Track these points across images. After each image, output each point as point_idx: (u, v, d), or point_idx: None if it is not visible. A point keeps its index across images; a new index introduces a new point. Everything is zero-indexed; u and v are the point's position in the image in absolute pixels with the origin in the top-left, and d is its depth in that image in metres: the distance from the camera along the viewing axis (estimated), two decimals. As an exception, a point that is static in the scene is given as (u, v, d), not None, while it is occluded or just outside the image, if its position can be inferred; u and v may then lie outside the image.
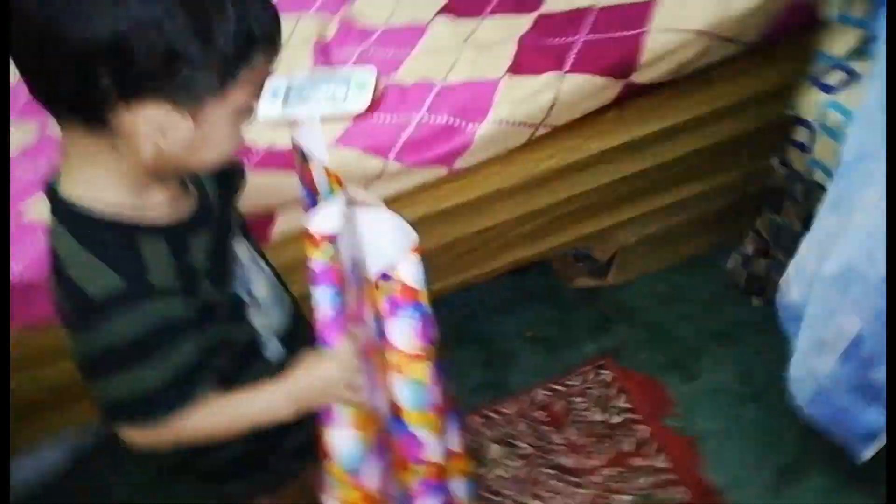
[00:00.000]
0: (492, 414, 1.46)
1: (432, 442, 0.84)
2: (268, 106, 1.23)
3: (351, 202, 0.76)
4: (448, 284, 1.35)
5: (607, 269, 1.59)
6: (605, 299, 1.61)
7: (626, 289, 1.61)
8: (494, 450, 1.40)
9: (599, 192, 1.34)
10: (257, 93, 0.68)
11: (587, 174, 1.30)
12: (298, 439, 0.84)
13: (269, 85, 1.22)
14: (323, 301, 0.74)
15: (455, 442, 0.94)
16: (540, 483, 1.33)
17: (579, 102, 1.20)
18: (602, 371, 1.48)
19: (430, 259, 1.15)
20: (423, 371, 0.81)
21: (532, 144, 1.22)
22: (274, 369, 0.78)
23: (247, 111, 0.68)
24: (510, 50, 1.26)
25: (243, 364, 0.81)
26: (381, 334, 0.80)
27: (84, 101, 0.60)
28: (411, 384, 0.80)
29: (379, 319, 0.80)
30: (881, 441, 0.98)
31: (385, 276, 0.78)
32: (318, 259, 0.73)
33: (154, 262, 0.67)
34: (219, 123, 0.65)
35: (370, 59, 1.34)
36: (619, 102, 1.23)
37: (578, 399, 1.44)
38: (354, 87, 1.23)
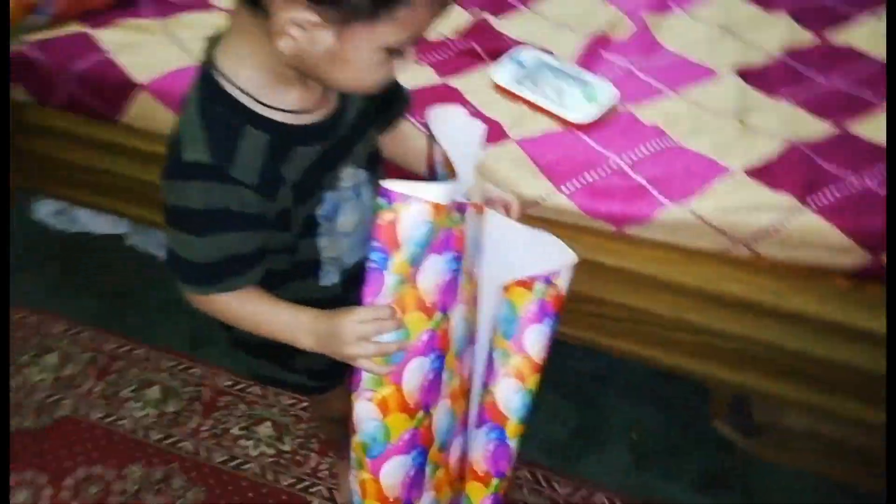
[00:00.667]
0: (531, 476, 1.36)
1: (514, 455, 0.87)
2: (502, 71, 1.18)
3: (482, 196, 0.81)
4: (586, 338, 1.24)
5: (756, 432, 1.33)
6: (734, 459, 1.36)
7: (761, 466, 1.34)
8: None
9: (784, 354, 1.10)
10: (412, 39, 0.66)
11: (772, 326, 1.06)
12: (320, 363, 0.85)
13: (518, 53, 1.18)
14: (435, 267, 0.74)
15: None
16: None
17: (801, 248, 0.96)
18: None
19: (575, 304, 1.07)
20: (536, 385, 0.83)
21: (722, 257, 1.02)
22: (319, 295, 0.82)
23: (397, 53, 0.67)
24: (771, 149, 1.03)
25: (293, 277, 0.84)
26: (511, 335, 0.82)
27: None
28: (527, 395, 0.83)
29: (515, 320, 0.82)
30: None
31: (548, 280, 0.79)
32: (445, 226, 0.73)
33: (245, 156, 0.70)
34: (361, 51, 0.65)
35: (631, 77, 1.20)
36: (855, 276, 0.96)
37: None
38: (585, 98, 1.12)
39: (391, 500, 0.86)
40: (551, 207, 1.05)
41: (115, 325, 1.61)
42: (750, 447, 1.34)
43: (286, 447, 1.41)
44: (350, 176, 0.80)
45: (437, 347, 0.79)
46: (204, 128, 0.69)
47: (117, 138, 1.29)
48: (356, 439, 0.81)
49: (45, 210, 1.77)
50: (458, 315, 0.81)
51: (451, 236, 0.75)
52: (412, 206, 0.69)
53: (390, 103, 0.87)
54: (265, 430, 1.44)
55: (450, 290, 0.78)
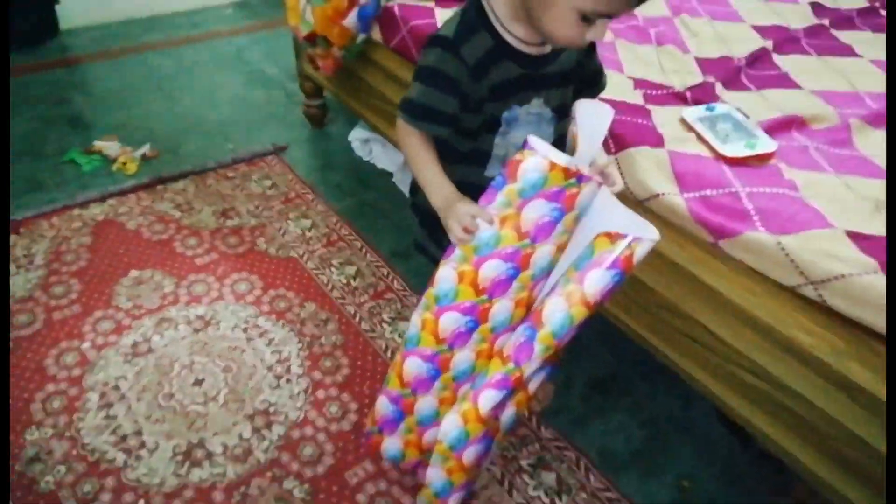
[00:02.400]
0: (575, 459, 1.49)
1: (536, 364, 1.04)
2: (692, 111, 1.41)
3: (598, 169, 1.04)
4: (660, 350, 1.37)
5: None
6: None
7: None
8: (529, 460, 1.46)
9: (833, 427, 1.12)
10: (604, 12, 0.91)
11: (831, 393, 1.11)
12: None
13: (715, 104, 1.40)
14: (537, 208, 1.00)
15: (535, 384, 1.15)
16: None
17: (863, 305, 1.03)
18: None
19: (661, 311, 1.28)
20: (581, 317, 0.99)
21: (793, 293, 1.12)
22: (477, 181, 1.10)
23: (589, 21, 0.92)
24: (884, 228, 1.11)
25: (467, 160, 1.13)
26: (580, 268, 1.00)
27: None
28: (566, 316, 0.99)
29: (588, 258, 1.00)
30: None
31: (629, 242, 0.97)
32: (559, 184, 0.99)
33: (472, 46, 1.01)
34: (558, 9, 0.93)
35: (804, 152, 1.32)
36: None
37: None
38: (746, 145, 1.29)
39: (440, 338, 1.13)
40: (666, 205, 1.25)
41: (354, 221, 2.13)
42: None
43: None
44: (538, 106, 1.11)
45: (517, 262, 1.05)
46: (457, 19, 1.04)
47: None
48: (431, 291, 1.10)
49: (357, 136, 2.42)
50: (544, 249, 1.04)
51: (562, 193, 0.99)
52: (534, 157, 0.97)
53: (590, 83, 1.16)
54: (403, 325, 1.77)
55: (545, 229, 1.02)
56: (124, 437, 1.47)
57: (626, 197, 1.32)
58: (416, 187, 1.29)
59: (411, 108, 1.07)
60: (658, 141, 1.33)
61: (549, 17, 0.95)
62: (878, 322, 1.03)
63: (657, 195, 1.27)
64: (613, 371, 1.68)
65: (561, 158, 0.97)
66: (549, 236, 1.03)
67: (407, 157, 1.13)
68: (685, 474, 1.48)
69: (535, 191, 0.99)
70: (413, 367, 1.16)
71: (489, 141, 1.12)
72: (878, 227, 1.13)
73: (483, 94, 1.06)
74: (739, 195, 1.20)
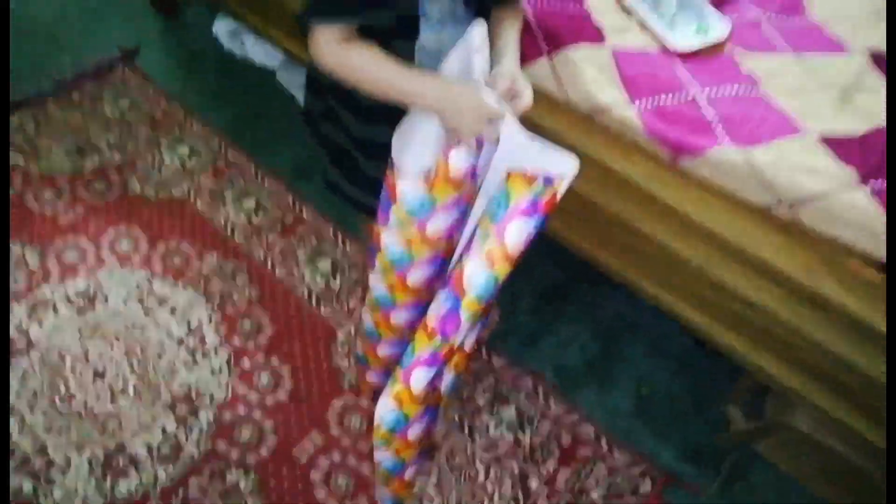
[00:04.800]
0: (532, 387, 1.42)
1: (464, 331, 0.91)
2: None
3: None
4: (616, 268, 1.25)
5: (763, 430, 1.30)
6: (729, 445, 1.35)
7: (758, 463, 1.32)
8: (485, 397, 1.39)
9: (800, 339, 1.07)
10: None
11: (797, 307, 1.04)
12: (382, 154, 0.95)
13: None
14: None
15: (470, 342, 1.02)
16: (486, 459, 1.32)
17: (841, 225, 0.93)
18: (645, 479, 1.30)
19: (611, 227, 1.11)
20: (505, 274, 0.86)
21: (763, 215, 1.01)
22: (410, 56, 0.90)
23: None
24: (857, 126, 0.98)
25: (397, 34, 0.91)
26: (497, 219, 0.84)
27: None
28: (490, 277, 0.86)
29: (505, 207, 0.84)
30: None
31: (548, 180, 0.81)
32: None
33: None
34: None
35: (755, 27, 1.16)
36: (881, 267, 0.91)
37: (613, 476, 1.31)
38: (696, 30, 1.11)
39: (416, 289, 1.04)
40: (617, 119, 1.07)
41: (240, 139, 1.83)
42: (750, 435, 1.31)
43: (335, 284, 1.56)
44: (451, 4, 0.91)
45: (462, 204, 0.93)
46: None
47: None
48: (383, 256, 1.00)
49: (223, 28, 2.02)
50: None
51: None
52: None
53: None
54: (324, 264, 1.60)
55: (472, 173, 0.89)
56: (26, 460, 1.27)
57: (567, 108, 1.12)
58: (318, 115, 1.07)
59: (334, 5, 0.86)
60: (597, 36, 1.12)
61: None
62: (856, 240, 0.94)
63: (605, 110, 1.08)
64: (558, 281, 1.57)
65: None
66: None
67: (357, 77, 0.88)
68: (643, 377, 1.45)
69: None
70: (401, 318, 1.08)
71: (408, 49, 0.92)
72: (849, 122, 1.02)
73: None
74: (698, 102, 1.04)
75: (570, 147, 0.83)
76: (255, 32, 1.82)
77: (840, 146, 0.96)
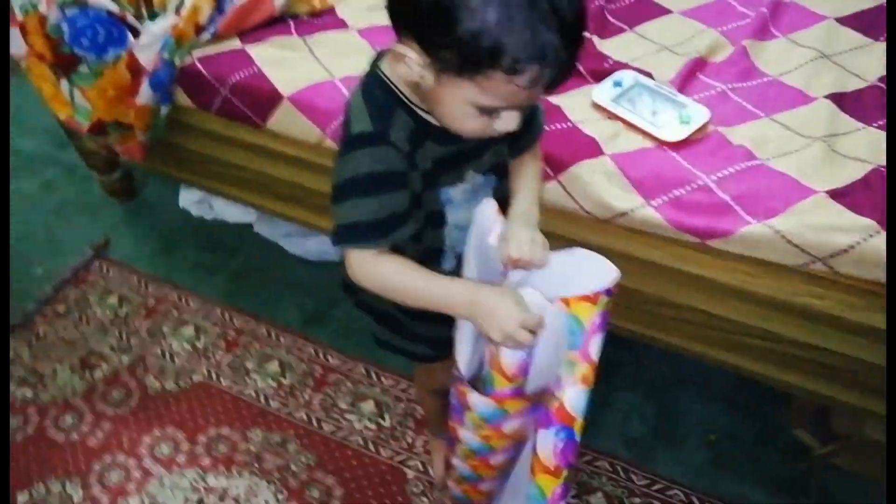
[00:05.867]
0: (611, 467, 1.46)
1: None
2: (601, 91, 1.28)
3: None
4: (662, 340, 1.32)
5: (833, 440, 1.37)
6: (814, 468, 1.41)
7: (840, 476, 1.39)
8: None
9: (862, 366, 1.15)
10: (504, 105, 0.75)
11: (850, 340, 1.12)
12: (443, 332, 0.97)
13: (618, 75, 1.27)
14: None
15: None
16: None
17: (877, 268, 1.02)
18: None
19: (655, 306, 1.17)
20: (594, 384, 0.88)
21: (801, 272, 1.09)
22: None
23: (491, 112, 0.76)
24: (855, 173, 1.09)
25: (423, 261, 0.94)
26: (578, 346, 0.86)
27: (390, 16, 0.77)
28: (587, 396, 0.88)
29: (581, 332, 0.86)
30: None
31: (609, 292, 0.84)
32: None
33: (398, 129, 0.82)
34: (450, 101, 0.76)
35: (726, 100, 1.28)
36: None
37: None
38: (679, 119, 1.20)
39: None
40: (639, 219, 1.14)
41: (241, 302, 1.82)
42: (828, 455, 1.38)
43: (386, 423, 1.57)
44: (471, 179, 0.93)
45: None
46: (366, 107, 0.82)
47: (260, 141, 1.48)
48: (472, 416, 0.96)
49: (188, 198, 2.02)
50: None
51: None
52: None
53: (521, 133, 0.87)
54: (368, 406, 1.60)
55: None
56: None
57: (588, 216, 1.19)
58: (353, 282, 1.07)
59: (367, 231, 0.85)
60: (594, 148, 1.19)
61: (444, 111, 0.79)
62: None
63: (624, 213, 1.15)
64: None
65: None
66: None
67: (389, 290, 0.90)
68: (705, 424, 1.50)
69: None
70: (500, 459, 1.04)
71: (438, 236, 0.95)
72: (845, 171, 1.11)
73: (416, 188, 0.87)
74: (710, 187, 1.12)
75: (598, 247, 0.88)
76: (225, 199, 1.83)
77: (848, 198, 1.06)
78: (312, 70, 1.39)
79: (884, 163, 1.09)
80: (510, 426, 0.96)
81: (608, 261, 0.84)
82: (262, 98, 1.39)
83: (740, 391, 1.55)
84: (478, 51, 0.69)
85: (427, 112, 0.83)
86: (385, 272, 0.87)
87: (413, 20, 0.74)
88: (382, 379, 1.64)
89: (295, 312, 1.78)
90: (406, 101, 0.83)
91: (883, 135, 1.14)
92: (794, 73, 1.31)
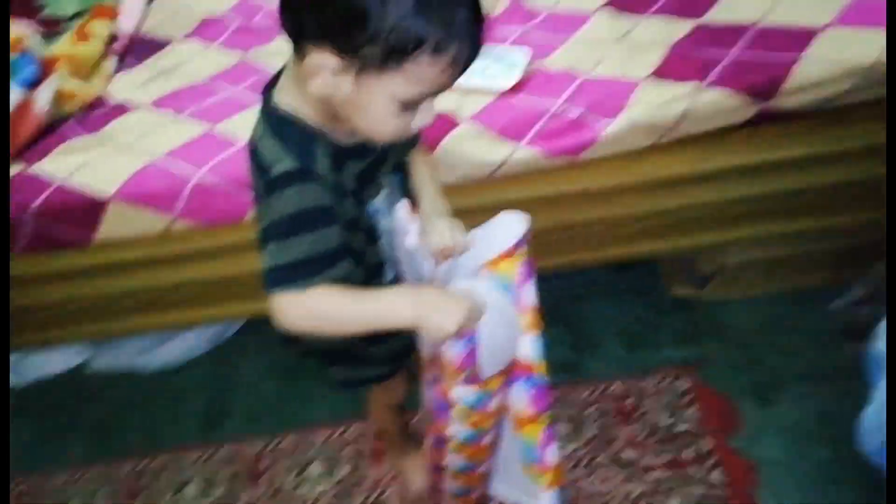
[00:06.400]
0: (565, 394, 1.55)
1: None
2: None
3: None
4: (556, 263, 1.42)
5: (707, 282, 1.62)
6: (702, 312, 1.64)
7: (725, 307, 1.63)
8: (561, 426, 1.49)
9: (715, 207, 1.37)
10: (426, 94, 0.75)
11: (706, 187, 1.34)
12: (397, 344, 0.96)
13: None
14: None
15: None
16: (595, 468, 1.41)
17: (711, 117, 1.23)
18: (679, 379, 1.52)
19: (544, 236, 1.24)
20: (540, 329, 0.92)
21: (658, 148, 1.27)
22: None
23: (411, 107, 0.76)
24: (660, 54, 1.30)
25: (368, 280, 0.94)
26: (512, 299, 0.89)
27: (293, 33, 0.74)
28: (537, 340, 0.92)
29: (510, 287, 0.88)
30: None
31: (519, 244, 0.86)
32: None
33: (320, 160, 0.80)
34: (374, 100, 0.74)
35: (527, 40, 1.42)
36: (751, 123, 1.24)
37: (650, 400, 1.49)
38: (506, 66, 1.31)
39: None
40: (518, 162, 1.24)
41: (113, 450, 1.59)
42: (707, 295, 1.62)
43: (342, 473, 1.48)
44: (386, 182, 0.93)
45: None
46: (282, 145, 0.79)
47: (88, 260, 1.29)
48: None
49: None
50: None
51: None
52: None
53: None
54: (315, 469, 1.50)
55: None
56: None
57: (472, 184, 1.25)
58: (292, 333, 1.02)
59: (301, 270, 0.80)
60: (450, 122, 1.26)
61: (364, 117, 0.77)
62: (722, 122, 1.25)
63: (503, 162, 1.24)
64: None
65: None
66: None
67: (329, 326, 0.84)
68: (607, 320, 1.66)
69: None
70: (491, 438, 1.04)
71: (376, 250, 0.96)
72: (649, 56, 1.31)
73: (352, 213, 0.88)
74: (559, 112, 1.26)
75: (496, 207, 0.93)
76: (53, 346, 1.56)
77: (667, 73, 1.26)
78: (128, 160, 1.26)
79: (673, 38, 1.31)
80: (495, 403, 0.96)
81: (514, 213, 0.89)
82: (78, 212, 1.22)
83: (616, 280, 1.72)
84: (402, 38, 0.69)
85: (334, 132, 0.82)
86: (319, 307, 0.81)
87: (327, 25, 0.71)
88: (315, 438, 1.55)
89: (191, 423, 1.59)
90: (316, 127, 0.80)
91: (662, 19, 1.38)
92: (562, 2, 1.51)
